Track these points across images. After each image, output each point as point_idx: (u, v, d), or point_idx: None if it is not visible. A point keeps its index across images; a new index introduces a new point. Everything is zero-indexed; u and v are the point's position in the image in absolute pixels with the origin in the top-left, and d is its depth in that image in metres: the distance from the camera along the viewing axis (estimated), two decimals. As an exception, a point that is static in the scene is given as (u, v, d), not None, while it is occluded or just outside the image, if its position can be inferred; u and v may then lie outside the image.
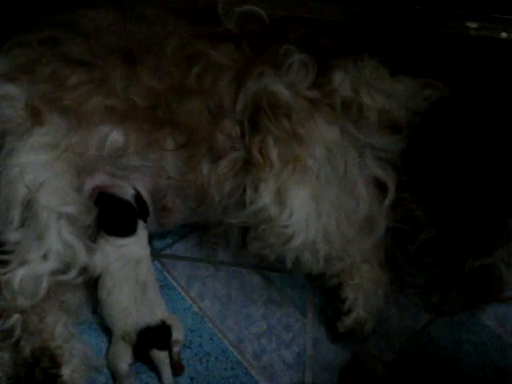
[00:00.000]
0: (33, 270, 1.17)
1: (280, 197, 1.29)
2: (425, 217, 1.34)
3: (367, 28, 1.46)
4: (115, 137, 1.29)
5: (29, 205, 1.18)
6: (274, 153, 1.29)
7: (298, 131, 1.30)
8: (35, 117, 1.24)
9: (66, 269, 1.21)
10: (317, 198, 1.30)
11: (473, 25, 1.45)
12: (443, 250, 1.33)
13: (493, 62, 1.47)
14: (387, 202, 1.35)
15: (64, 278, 1.22)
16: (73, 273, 1.22)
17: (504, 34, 1.45)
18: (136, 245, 1.32)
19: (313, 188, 1.30)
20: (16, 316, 1.18)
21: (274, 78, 1.33)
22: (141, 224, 1.34)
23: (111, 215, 1.31)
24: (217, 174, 1.32)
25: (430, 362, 1.34)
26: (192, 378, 1.26)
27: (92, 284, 1.30)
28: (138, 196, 1.34)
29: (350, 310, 1.31)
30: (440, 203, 1.32)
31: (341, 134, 1.34)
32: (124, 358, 1.23)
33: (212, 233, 1.43)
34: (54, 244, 1.19)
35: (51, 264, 1.19)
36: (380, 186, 1.36)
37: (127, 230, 1.32)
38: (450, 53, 1.46)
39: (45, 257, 1.18)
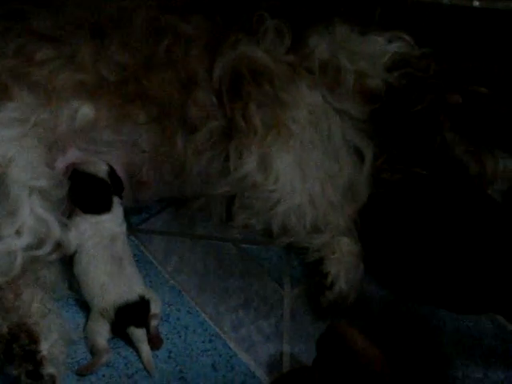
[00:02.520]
0: (6, 246, 1.15)
1: (264, 162, 1.30)
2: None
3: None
4: (86, 111, 1.27)
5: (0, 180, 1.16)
6: (257, 118, 1.29)
7: (280, 96, 1.31)
8: (2, 92, 1.22)
9: (40, 244, 1.19)
10: (301, 162, 1.30)
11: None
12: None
13: (466, 30, 1.46)
14: (365, 170, 1.35)
15: (38, 253, 1.19)
16: (47, 248, 1.20)
17: (476, 3, 1.45)
18: (111, 221, 1.31)
19: (297, 152, 1.30)
20: None
21: (250, 44, 1.33)
22: (116, 200, 1.32)
23: (85, 193, 1.29)
24: (193, 146, 1.32)
25: (407, 330, 1.33)
26: (170, 352, 1.25)
27: (68, 260, 1.28)
28: (111, 172, 1.32)
29: (332, 285, 1.30)
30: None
31: (322, 99, 1.34)
32: (102, 334, 1.21)
33: (189, 206, 1.42)
34: (26, 219, 1.17)
35: (25, 239, 1.16)
36: (358, 155, 1.37)
37: (102, 208, 1.30)
38: (423, 21, 1.46)
39: (18, 232, 1.16)
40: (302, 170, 1.30)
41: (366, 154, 1.36)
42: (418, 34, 1.40)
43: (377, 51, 1.39)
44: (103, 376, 1.20)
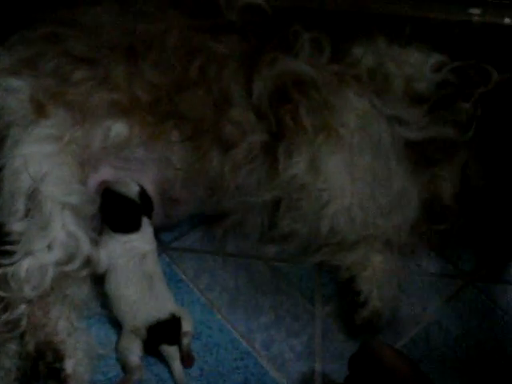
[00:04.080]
0: (38, 261, 1.15)
1: (314, 163, 1.29)
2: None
3: (368, 16, 1.46)
4: (119, 129, 1.28)
5: (33, 195, 1.17)
6: (306, 120, 1.29)
7: (328, 100, 1.30)
8: (40, 110, 1.24)
9: (70, 259, 1.20)
10: (351, 164, 1.29)
11: (475, 11, 1.45)
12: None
13: (496, 47, 1.46)
14: (418, 179, 1.35)
15: (68, 268, 1.20)
16: (77, 263, 1.21)
17: (507, 20, 1.45)
18: (141, 240, 1.31)
19: (346, 155, 1.30)
20: (22, 307, 1.16)
21: (289, 60, 1.32)
22: (145, 220, 1.32)
23: (116, 212, 1.30)
24: (230, 162, 1.31)
25: (439, 349, 1.30)
26: (202, 369, 1.24)
27: (99, 278, 1.28)
28: (142, 193, 1.33)
29: (365, 302, 1.28)
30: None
31: (370, 105, 1.33)
32: (134, 352, 1.21)
33: (220, 224, 1.41)
34: (58, 234, 1.17)
35: (56, 254, 1.17)
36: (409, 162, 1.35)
37: (131, 227, 1.30)
38: (453, 39, 1.45)
39: (49, 247, 1.17)
40: (351, 172, 1.29)
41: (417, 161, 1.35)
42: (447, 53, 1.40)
43: (419, 59, 1.39)
44: None
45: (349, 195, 1.29)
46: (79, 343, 1.19)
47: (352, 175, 1.30)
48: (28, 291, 1.15)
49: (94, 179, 1.31)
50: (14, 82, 1.25)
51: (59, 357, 1.14)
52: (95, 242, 1.27)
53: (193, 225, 1.47)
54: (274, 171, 1.32)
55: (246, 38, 1.36)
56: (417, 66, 1.38)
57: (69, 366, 1.14)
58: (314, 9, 1.45)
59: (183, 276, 1.38)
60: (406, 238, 1.36)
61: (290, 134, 1.30)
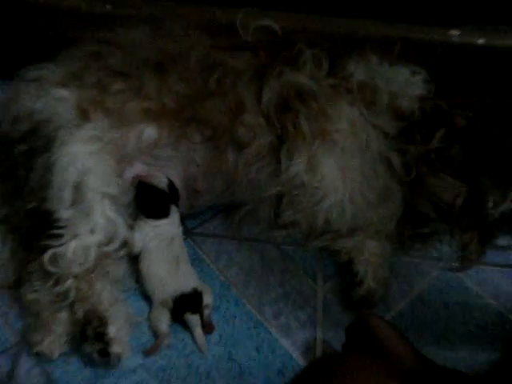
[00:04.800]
0: (82, 242, 1.20)
1: (311, 164, 1.30)
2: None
3: (362, 38, 1.48)
4: (150, 132, 1.32)
5: (78, 187, 1.21)
6: (305, 126, 1.30)
7: (324, 109, 1.32)
8: (83, 115, 1.27)
9: (109, 241, 1.25)
10: (343, 165, 1.31)
11: (454, 33, 1.47)
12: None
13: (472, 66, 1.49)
14: (396, 177, 1.37)
15: (108, 249, 1.25)
16: (115, 245, 1.26)
17: (481, 41, 1.46)
18: (169, 225, 1.35)
19: (339, 157, 1.31)
20: (70, 281, 1.21)
21: (293, 73, 1.34)
22: (173, 208, 1.36)
23: (148, 201, 1.34)
24: (243, 160, 1.34)
25: (421, 320, 1.35)
26: (221, 336, 1.29)
27: (134, 258, 1.33)
28: (170, 184, 1.36)
29: (361, 282, 1.32)
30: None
31: (359, 114, 1.35)
32: (163, 321, 1.26)
33: (236, 213, 1.44)
34: (99, 220, 1.22)
35: (97, 237, 1.22)
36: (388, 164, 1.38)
37: (161, 213, 1.34)
38: (436, 57, 1.48)
39: (92, 231, 1.22)
40: (344, 172, 1.31)
41: (394, 164, 1.36)
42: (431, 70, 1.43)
43: (405, 79, 1.40)
44: (165, 355, 1.25)
45: (341, 192, 1.31)
46: (119, 312, 1.23)
47: (344, 175, 1.32)
48: (74, 268, 1.20)
49: (130, 173, 1.35)
50: (63, 92, 1.28)
51: (103, 323, 1.19)
52: (131, 227, 1.31)
53: (213, 213, 1.49)
54: (278, 170, 1.34)
55: (258, 55, 1.38)
56: (402, 84, 1.40)
57: (112, 330, 1.19)
58: (315, 31, 1.48)
59: (205, 257, 1.42)
60: (392, 228, 1.39)
61: (291, 138, 1.32)
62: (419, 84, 1.41)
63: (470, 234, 1.36)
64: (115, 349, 1.20)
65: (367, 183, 1.34)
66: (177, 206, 1.38)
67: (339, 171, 1.32)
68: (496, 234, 1.39)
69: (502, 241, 1.44)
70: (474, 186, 1.34)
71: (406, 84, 1.41)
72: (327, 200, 1.31)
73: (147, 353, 1.25)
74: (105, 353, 1.19)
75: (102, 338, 1.19)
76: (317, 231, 1.39)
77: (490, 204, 1.33)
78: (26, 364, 1.22)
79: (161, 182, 1.35)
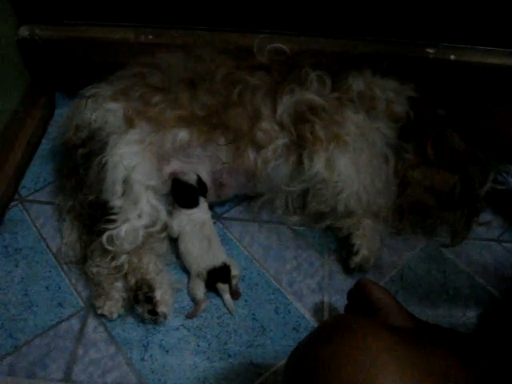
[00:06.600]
0: (132, 225, 1.21)
1: (329, 163, 1.29)
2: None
3: (357, 55, 1.46)
4: (183, 135, 1.31)
5: (126, 181, 1.23)
6: (321, 133, 1.29)
7: (334, 118, 1.31)
8: (129, 123, 1.29)
9: (153, 224, 1.25)
10: (355, 161, 1.30)
11: (431, 50, 1.45)
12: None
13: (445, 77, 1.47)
14: (391, 171, 1.36)
15: (152, 230, 1.25)
16: (158, 226, 1.26)
17: (452, 57, 1.45)
18: (200, 212, 1.34)
19: (352, 155, 1.30)
20: (123, 256, 1.23)
21: (303, 91, 1.33)
22: (202, 199, 1.36)
23: (181, 194, 1.34)
24: (261, 158, 1.33)
25: (409, 284, 1.34)
26: (246, 301, 1.29)
27: (174, 239, 1.34)
28: (199, 179, 1.36)
29: (357, 252, 1.31)
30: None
31: (363, 118, 1.34)
32: (200, 289, 1.27)
33: (256, 201, 1.43)
34: (145, 207, 1.23)
35: (143, 220, 1.23)
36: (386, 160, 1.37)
37: (192, 204, 1.34)
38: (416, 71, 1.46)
39: (139, 216, 1.22)
40: (357, 167, 1.30)
41: (390, 160, 1.36)
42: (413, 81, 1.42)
43: (396, 87, 1.39)
44: (201, 317, 1.26)
45: (356, 183, 1.30)
46: (164, 280, 1.24)
47: (357, 169, 1.30)
48: (126, 246, 1.21)
49: (167, 169, 1.34)
50: (113, 105, 1.30)
51: (151, 288, 1.20)
52: (169, 212, 1.32)
53: (237, 201, 1.48)
54: (302, 170, 1.32)
55: (271, 73, 1.37)
56: (395, 91, 1.38)
57: (158, 294, 1.20)
58: (318, 50, 1.46)
59: (232, 237, 1.41)
60: (389, 211, 1.37)
61: (310, 144, 1.30)
62: (409, 91, 1.40)
63: (460, 214, 1.36)
64: (162, 309, 1.21)
65: (376, 174, 1.33)
66: (205, 197, 1.37)
67: (353, 166, 1.30)
68: (479, 212, 1.40)
69: (485, 217, 1.44)
70: (463, 174, 1.35)
71: (398, 91, 1.39)
72: (345, 191, 1.30)
73: (189, 316, 1.26)
74: (153, 312, 1.20)
75: (150, 300, 1.20)
76: (324, 214, 1.38)
77: (477, 185, 1.35)
78: (92, 323, 1.25)
79: (190, 178, 1.34)
